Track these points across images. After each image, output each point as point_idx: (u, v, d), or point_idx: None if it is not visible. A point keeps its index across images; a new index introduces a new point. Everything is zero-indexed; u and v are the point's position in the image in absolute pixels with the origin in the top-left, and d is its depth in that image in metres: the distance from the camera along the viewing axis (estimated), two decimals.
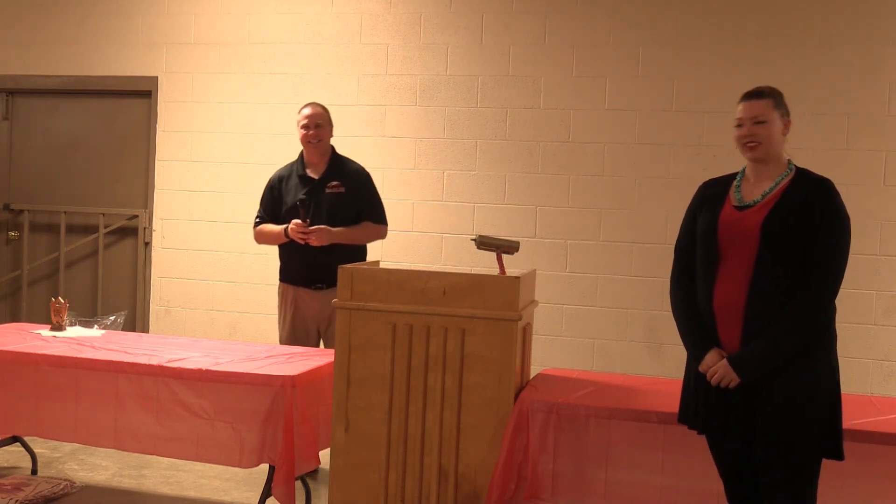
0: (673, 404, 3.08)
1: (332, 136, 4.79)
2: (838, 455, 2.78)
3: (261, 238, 4.77)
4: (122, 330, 4.74)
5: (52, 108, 6.69)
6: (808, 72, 5.35)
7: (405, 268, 4.31)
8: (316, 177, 4.64)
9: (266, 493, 3.74)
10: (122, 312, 4.93)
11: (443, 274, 3.45)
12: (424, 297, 3.38)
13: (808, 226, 2.74)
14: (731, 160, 5.42)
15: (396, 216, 5.91)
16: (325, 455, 3.62)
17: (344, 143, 5.96)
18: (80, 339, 4.28)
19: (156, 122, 6.36)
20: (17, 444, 4.50)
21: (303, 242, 4.46)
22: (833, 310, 2.83)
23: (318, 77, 6.05)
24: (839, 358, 2.85)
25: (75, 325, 4.58)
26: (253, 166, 6.16)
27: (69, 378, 3.84)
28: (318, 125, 4.65)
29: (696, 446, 3.12)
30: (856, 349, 5.28)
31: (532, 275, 3.68)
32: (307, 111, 4.69)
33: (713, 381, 2.81)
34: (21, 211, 6.68)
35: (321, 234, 4.45)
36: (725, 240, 2.85)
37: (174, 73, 6.31)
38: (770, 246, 2.76)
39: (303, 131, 4.65)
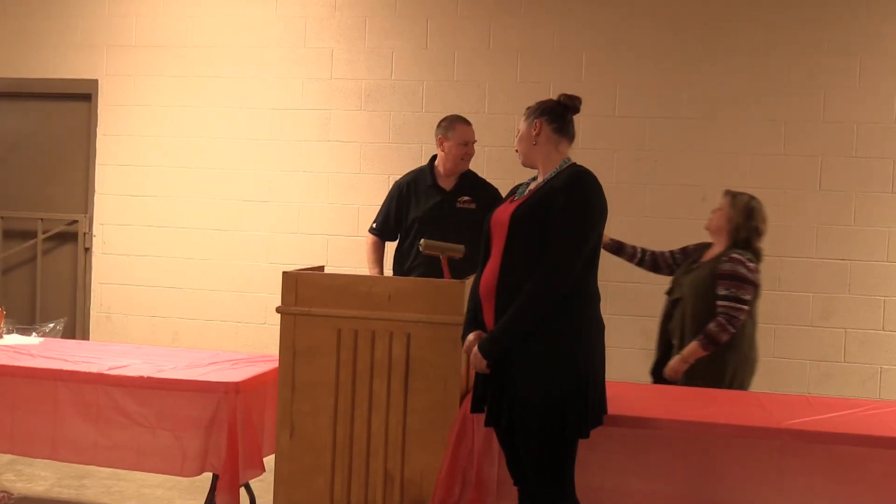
0: (618, 406, 3.12)
1: None
2: (581, 434, 2.90)
3: (367, 255, 4.60)
4: (62, 337, 4.65)
5: None
6: (768, 77, 5.47)
7: (350, 272, 4.30)
8: (447, 188, 4.49)
9: (210, 501, 3.70)
10: (62, 319, 4.83)
11: (388, 279, 3.47)
12: (369, 302, 3.38)
13: (549, 211, 2.89)
14: (672, 165, 5.55)
15: (342, 221, 5.89)
16: (269, 461, 3.60)
17: (288, 147, 5.95)
18: (18, 346, 4.20)
19: (96, 126, 6.25)
20: None
21: None
22: (590, 295, 2.95)
23: (263, 80, 6.01)
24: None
25: (12, 332, 4.49)
26: (195, 171, 6.09)
27: (6, 387, 3.77)
28: (474, 144, 4.53)
29: (652, 446, 3.16)
30: (793, 350, 5.40)
31: None
32: (470, 130, 4.49)
33: (472, 366, 3.03)
34: None
35: None
36: (492, 232, 3.05)
37: (115, 76, 6.21)
38: (516, 232, 2.93)
39: (462, 148, 4.43)
